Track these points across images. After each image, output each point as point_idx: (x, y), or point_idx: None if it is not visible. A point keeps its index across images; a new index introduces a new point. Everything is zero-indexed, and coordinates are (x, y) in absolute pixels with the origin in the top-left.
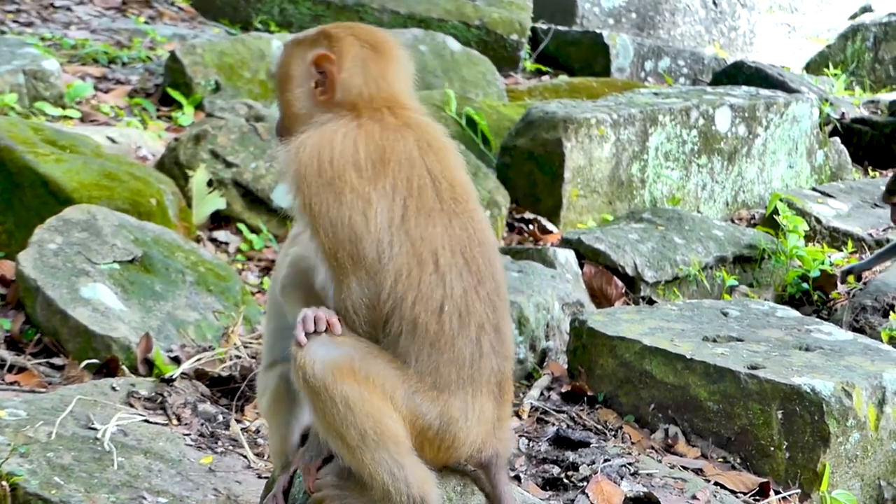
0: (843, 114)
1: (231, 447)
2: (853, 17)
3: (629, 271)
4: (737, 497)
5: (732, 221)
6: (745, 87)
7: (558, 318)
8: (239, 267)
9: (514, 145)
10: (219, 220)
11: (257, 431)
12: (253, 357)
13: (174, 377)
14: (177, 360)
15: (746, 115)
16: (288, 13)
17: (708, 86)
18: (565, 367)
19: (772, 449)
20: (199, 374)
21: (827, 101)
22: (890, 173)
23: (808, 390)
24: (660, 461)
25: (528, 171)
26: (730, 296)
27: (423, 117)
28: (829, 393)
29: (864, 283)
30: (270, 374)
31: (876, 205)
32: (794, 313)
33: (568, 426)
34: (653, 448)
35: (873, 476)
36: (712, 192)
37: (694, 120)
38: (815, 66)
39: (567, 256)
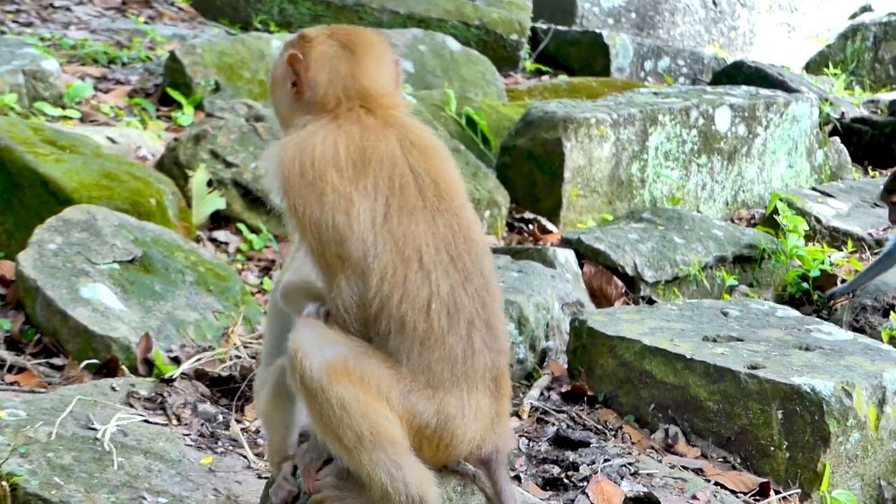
0: (842, 113)
1: (231, 447)
2: (853, 16)
3: (629, 271)
4: (737, 497)
5: (732, 221)
6: (744, 87)
7: (558, 318)
8: (239, 267)
9: (513, 145)
10: (218, 220)
11: (257, 431)
12: (253, 357)
13: (174, 377)
14: (177, 361)
15: (746, 114)
16: (287, 13)
17: (708, 85)
18: (565, 366)
19: (772, 449)
20: (199, 375)
21: (827, 100)
22: (890, 173)
23: (809, 390)
24: (660, 461)
25: (528, 171)
26: (730, 296)
27: (406, 116)
28: (829, 393)
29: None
30: (270, 369)
31: (876, 204)
32: (794, 313)
33: (568, 426)
34: (653, 448)
35: (873, 476)
36: (712, 192)
37: (694, 119)
38: (815, 66)
39: (567, 256)
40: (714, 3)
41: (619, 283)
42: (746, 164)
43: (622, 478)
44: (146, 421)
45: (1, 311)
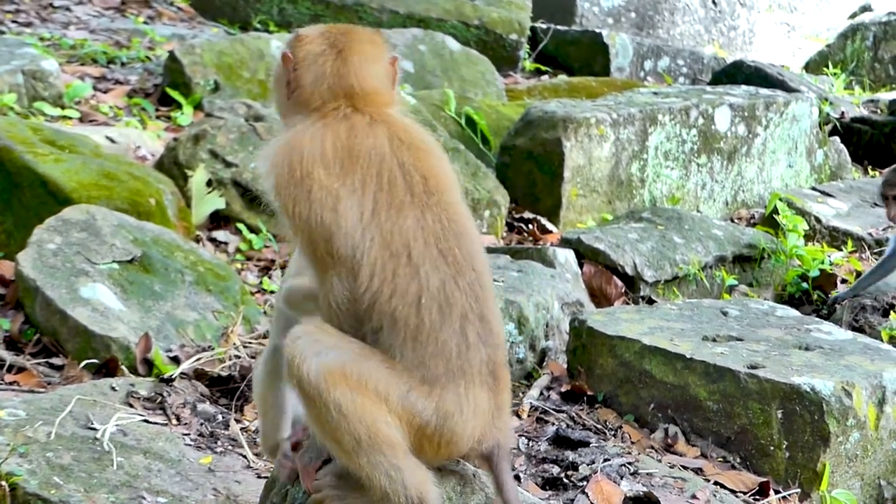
0: (842, 113)
1: (230, 447)
2: (852, 16)
3: (629, 271)
4: (736, 496)
5: (732, 221)
6: (744, 87)
7: (558, 318)
8: (238, 267)
9: (513, 145)
10: (218, 219)
11: (256, 431)
12: (252, 357)
13: (173, 377)
14: (176, 360)
15: (746, 114)
16: (287, 13)
17: (707, 85)
18: (565, 366)
19: (771, 448)
20: (199, 374)
21: (826, 100)
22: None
23: (808, 390)
24: (659, 461)
25: (528, 171)
26: (729, 295)
27: (397, 113)
28: (828, 392)
29: None
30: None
31: (875, 204)
32: (794, 313)
33: (567, 426)
34: (652, 448)
35: (873, 475)
36: (712, 192)
37: (693, 119)
38: (815, 66)
39: (567, 256)
40: (714, 2)
41: (619, 282)
42: (746, 163)
43: (622, 477)
44: (146, 421)
45: (0, 310)
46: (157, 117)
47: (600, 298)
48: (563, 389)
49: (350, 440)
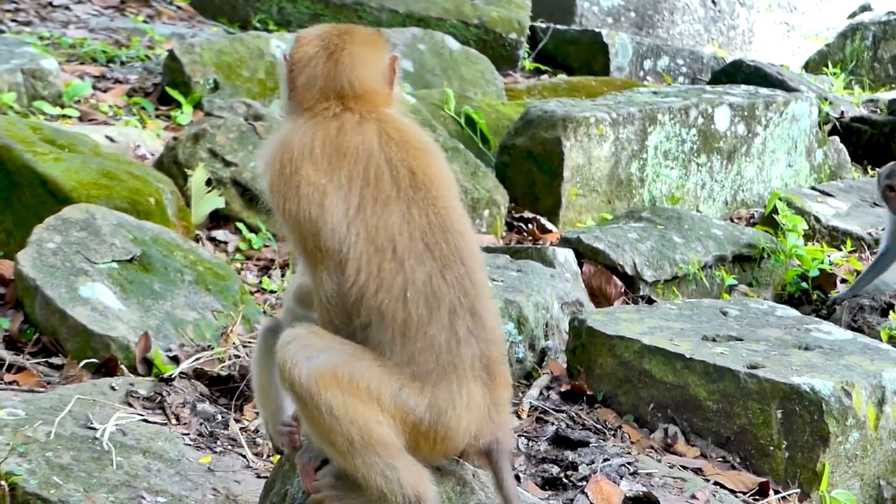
0: (842, 113)
1: (230, 447)
2: (852, 15)
3: (628, 270)
4: (736, 496)
5: (732, 220)
6: (744, 86)
7: (557, 318)
8: (238, 266)
9: (512, 144)
10: (217, 219)
11: (256, 431)
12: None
13: (173, 377)
14: (176, 360)
15: (746, 113)
16: (286, 12)
17: (707, 85)
18: (564, 366)
19: (771, 448)
20: (198, 374)
21: (826, 99)
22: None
23: (808, 390)
24: (659, 461)
25: (527, 170)
26: (729, 295)
27: (391, 112)
28: (828, 392)
29: None
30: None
31: (875, 203)
32: (794, 312)
33: (567, 426)
34: (652, 447)
35: (873, 475)
36: (711, 191)
37: (693, 119)
38: (815, 65)
39: (566, 256)
40: (713, 2)
41: (619, 282)
42: (746, 163)
43: (621, 477)
44: (145, 420)
45: (0, 310)
46: (157, 116)
47: (600, 298)
48: (562, 389)
49: (344, 441)
